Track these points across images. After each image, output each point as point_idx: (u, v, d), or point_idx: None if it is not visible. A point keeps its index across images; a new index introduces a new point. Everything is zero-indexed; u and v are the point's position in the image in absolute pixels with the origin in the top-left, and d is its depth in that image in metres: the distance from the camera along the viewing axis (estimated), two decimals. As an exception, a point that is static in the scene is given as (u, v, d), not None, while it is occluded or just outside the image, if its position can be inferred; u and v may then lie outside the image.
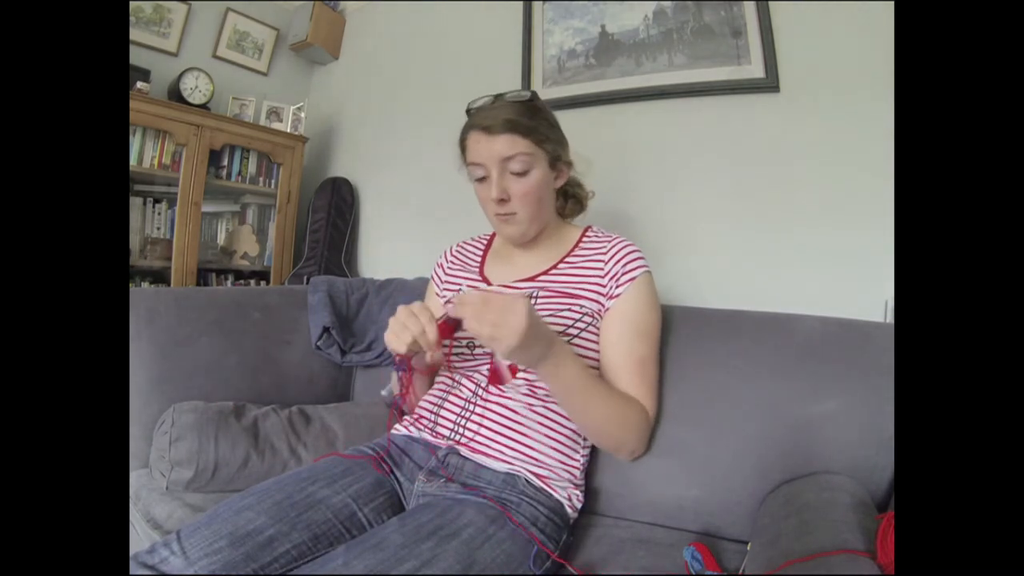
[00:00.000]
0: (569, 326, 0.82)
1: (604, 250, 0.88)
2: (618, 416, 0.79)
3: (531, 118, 0.82)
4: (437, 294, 1.00)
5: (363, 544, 0.61)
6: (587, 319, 0.84)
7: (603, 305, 0.85)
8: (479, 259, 1.00)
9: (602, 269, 0.86)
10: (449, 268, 1.01)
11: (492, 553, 0.64)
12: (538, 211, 0.86)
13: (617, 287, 0.84)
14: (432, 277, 1.04)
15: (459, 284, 0.96)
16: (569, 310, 0.83)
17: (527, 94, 0.84)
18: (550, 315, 0.83)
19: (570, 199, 1.00)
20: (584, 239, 0.92)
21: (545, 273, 0.89)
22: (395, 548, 0.59)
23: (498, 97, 0.84)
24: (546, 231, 0.92)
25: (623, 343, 0.83)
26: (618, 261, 0.85)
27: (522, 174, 0.83)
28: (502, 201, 0.84)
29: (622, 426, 0.79)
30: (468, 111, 0.87)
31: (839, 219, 1.20)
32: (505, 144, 0.81)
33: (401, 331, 0.71)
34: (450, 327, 0.71)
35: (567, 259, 0.90)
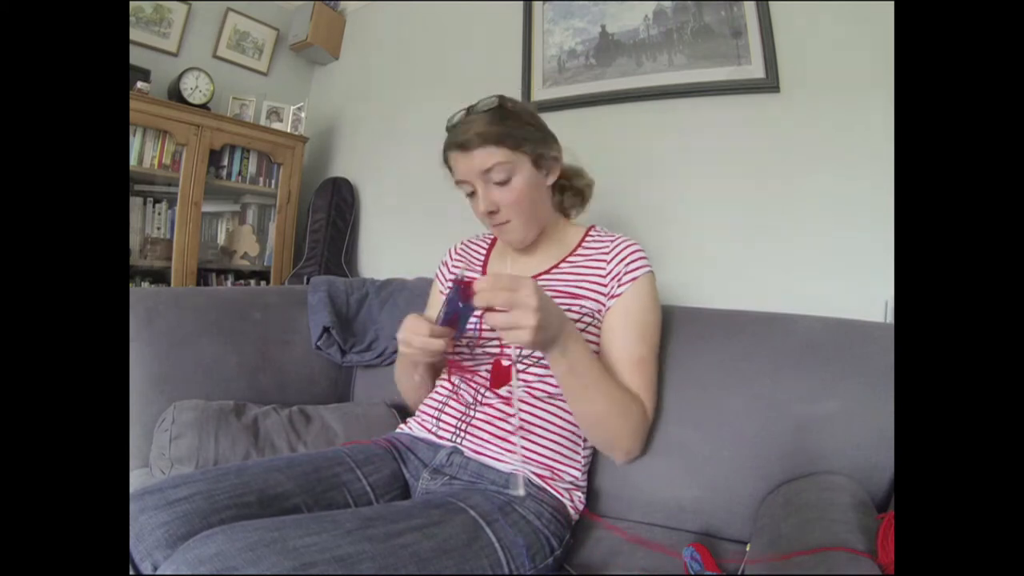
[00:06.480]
0: None
1: (607, 250, 0.88)
2: (619, 407, 0.78)
3: (502, 124, 0.81)
4: (441, 292, 1.00)
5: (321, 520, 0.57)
6: (588, 319, 0.84)
7: (604, 305, 0.85)
8: (483, 258, 1.00)
9: (604, 269, 0.86)
10: (454, 266, 1.01)
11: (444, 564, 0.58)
12: (532, 215, 0.86)
13: (619, 287, 0.84)
14: (437, 275, 1.04)
15: None
16: (570, 310, 0.83)
17: (494, 100, 0.83)
18: None
19: (567, 192, 0.98)
20: (587, 239, 0.92)
21: (547, 272, 0.89)
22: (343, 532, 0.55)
23: (470, 110, 0.84)
24: (547, 231, 0.92)
25: (623, 343, 0.83)
26: (621, 261, 0.85)
27: (505, 182, 0.82)
28: (492, 213, 0.84)
29: (622, 418, 0.79)
30: (447, 129, 0.86)
31: (839, 219, 1.20)
32: (481, 157, 0.81)
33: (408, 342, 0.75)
34: (454, 318, 0.71)
35: (569, 259, 0.90)
